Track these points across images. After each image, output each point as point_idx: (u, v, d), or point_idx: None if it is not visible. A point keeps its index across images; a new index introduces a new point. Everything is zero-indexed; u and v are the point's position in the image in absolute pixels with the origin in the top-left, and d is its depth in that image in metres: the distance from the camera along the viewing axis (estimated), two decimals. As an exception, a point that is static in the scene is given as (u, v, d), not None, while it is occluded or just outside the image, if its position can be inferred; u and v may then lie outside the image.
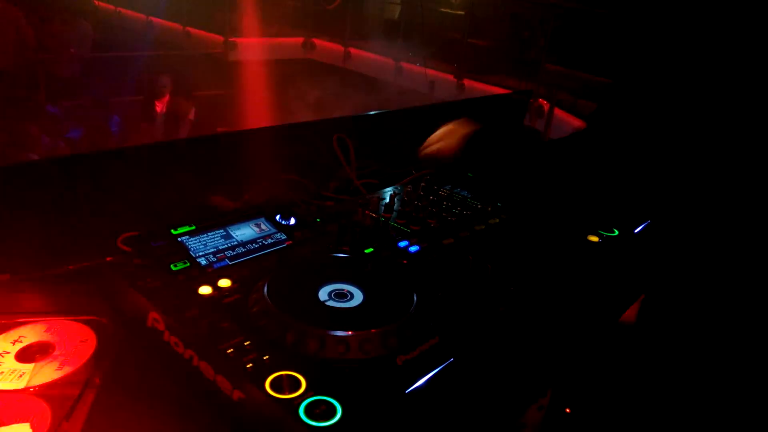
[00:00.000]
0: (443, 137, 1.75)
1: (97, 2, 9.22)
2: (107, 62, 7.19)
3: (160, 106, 6.08)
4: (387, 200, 1.51)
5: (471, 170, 1.65)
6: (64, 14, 6.62)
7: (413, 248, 1.30)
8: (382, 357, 0.94)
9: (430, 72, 8.00)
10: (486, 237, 1.41)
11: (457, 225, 1.44)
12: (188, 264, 1.14)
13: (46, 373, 0.97)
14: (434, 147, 1.77)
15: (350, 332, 0.96)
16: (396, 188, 1.66)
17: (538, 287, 1.23)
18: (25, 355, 1.01)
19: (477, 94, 6.84)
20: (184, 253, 1.17)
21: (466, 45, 7.93)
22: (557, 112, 6.32)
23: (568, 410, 1.29)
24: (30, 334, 1.06)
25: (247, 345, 0.93)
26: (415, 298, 1.07)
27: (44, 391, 0.93)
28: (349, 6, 8.96)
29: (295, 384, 0.86)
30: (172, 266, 1.12)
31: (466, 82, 7.82)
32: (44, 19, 6.55)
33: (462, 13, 8.43)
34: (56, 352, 1.02)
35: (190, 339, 0.95)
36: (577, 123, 6.27)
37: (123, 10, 9.73)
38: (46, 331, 1.07)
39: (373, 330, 0.97)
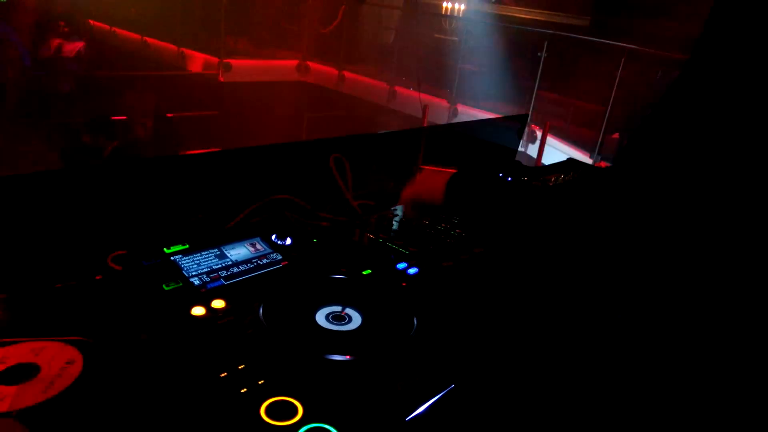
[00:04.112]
0: (421, 185, 1.70)
1: (92, 22, 9.24)
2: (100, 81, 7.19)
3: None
4: (385, 221, 1.49)
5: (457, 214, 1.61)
6: (58, 32, 6.63)
7: (412, 270, 1.27)
8: (382, 383, 0.91)
9: (424, 96, 8.06)
10: (485, 259, 1.39)
11: (456, 247, 1.42)
12: (181, 284, 1.11)
13: (30, 395, 0.93)
14: (417, 195, 1.72)
15: (349, 356, 0.93)
16: (394, 210, 1.63)
17: (540, 313, 1.20)
18: (7, 377, 0.96)
19: (470, 119, 6.90)
20: (176, 272, 1.14)
21: (460, 70, 8.02)
22: (549, 137, 6.37)
23: None
24: (13, 355, 1.02)
25: (242, 369, 0.89)
26: (415, 321, 1.04)
27: (27, 416, 0.89)
28: (343, 30, 9.06)
29: (292, 410, 0.82)
30: (164, 286, 1.09)
31: (459, 107, 7.89)
32: (40, 36, 6.56)
33: (456, 39, 8.53)
34: (41, 374, 0.98)
35: (182, 362, 0.91)
36: (568, 149, 6.32)
37: (118, 30, 9.77)
38: (30, 351, 1.03)
39: (372, 354, 0.94)
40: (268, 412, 0.82)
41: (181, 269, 1.15)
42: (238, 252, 1.24)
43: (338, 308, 1.07)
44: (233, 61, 8.44)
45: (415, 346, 0.99)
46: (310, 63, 9.35)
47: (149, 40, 9.45)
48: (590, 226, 1.15)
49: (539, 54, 6.58)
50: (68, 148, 4.46)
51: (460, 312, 1.14)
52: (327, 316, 1.04)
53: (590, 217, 1.13)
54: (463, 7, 8.74)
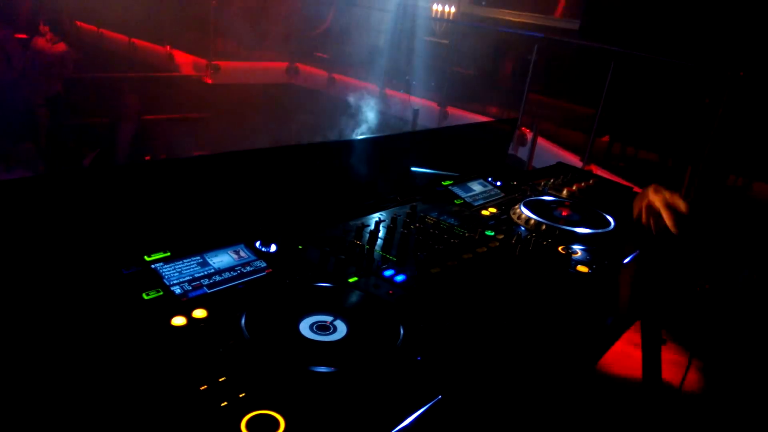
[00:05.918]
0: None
1: (79, 23, 9.16)
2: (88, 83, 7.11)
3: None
4: (372, 227, 1.47)
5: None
6: (45, 35, 6.56)
7: (399, 278, 1.25)
8: (367, 394, 0.88)
9: (414, 99, 8.05)
10: (474, 266, 1.37)
11: (444, 253, 1.40)
12: (161, 293, 1.08)
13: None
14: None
15: (333, 368, 0.90)
16: (381, 215, 1.61)
17: (530, 320, 1.18)
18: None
19: (460, 122, 6.89)
20: (157, 281, 1.11)
21: (450, 73, 8.02)
22: (540, 140, 6.37)
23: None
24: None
25: (222, 381, 0.87)
26: (401, 331, 1.02)
27: None
28: (333, 33, 9.03)
29: (273, 425, 0.80)
30: (144, 295, 1.06)
31: (450, 109, 7.87)
32: (26, 39, 6.51)
33: (446, 42, 8.52)
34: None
35: (161, 374, 0.88)
36: (558, 152, 6.32)
37: (105, 32, 9.68)
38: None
39: (357, 366, 0.92)
40: (249, 426, 0.79)
41: (162, 277, 1.12)
42: (221, 259, 1.22)
43: (325, 318, 1.04)
44: (222, 63, 8.40)
45: (401, 356, 0.97)
46: (299, 65, 9.32)
47: (137, 41, 9.39)
48: None
49: (529, 57, 6.58)
50: (51, 155, 4.40)
51: (449, 320, 1.11)
52: (311, 326, 1.02)
53: None
54: (453, 9, 8.75)
